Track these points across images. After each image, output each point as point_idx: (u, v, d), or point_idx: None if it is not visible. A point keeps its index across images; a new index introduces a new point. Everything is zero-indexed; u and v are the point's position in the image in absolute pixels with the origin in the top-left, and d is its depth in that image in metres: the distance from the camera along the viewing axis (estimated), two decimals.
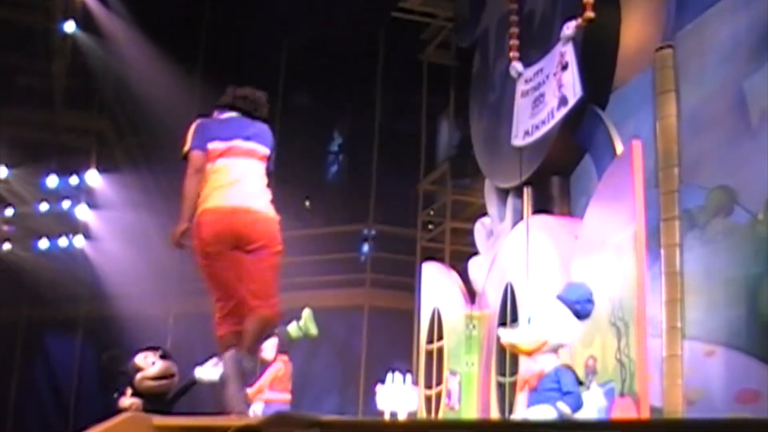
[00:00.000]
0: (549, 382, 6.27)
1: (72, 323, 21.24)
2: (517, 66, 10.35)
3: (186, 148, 6.48)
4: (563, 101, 9.16)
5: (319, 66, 18.65)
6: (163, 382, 7.99)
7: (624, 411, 7.36)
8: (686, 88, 8.37)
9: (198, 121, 6.60)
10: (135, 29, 17.17)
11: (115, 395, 8.74)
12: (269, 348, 9.75)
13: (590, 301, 6.36)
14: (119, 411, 7.45)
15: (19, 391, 21.61)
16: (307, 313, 9.48)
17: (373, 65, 19.94)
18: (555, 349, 6.36)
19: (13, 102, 18.91)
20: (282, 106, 20.30)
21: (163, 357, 8.15)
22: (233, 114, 6.65)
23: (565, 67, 9.17)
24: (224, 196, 6.37)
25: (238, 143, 6.50)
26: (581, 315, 6.34)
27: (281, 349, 9.77)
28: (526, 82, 10.14)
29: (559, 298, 6.37)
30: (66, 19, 17.11)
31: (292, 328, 9.74)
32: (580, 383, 6.45)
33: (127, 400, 8.39)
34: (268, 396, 10.05)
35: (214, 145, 6.46)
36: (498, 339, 7.12)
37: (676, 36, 8.58)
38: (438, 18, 17.12)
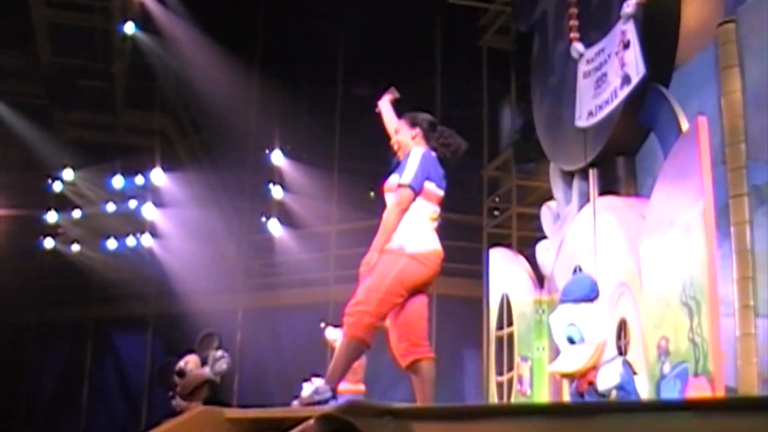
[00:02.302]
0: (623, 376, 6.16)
1: (141, 322, 21.45)
2: (578, 47, 10.25)
3: (410, 180, 6.42)
4: (626, 80, 9.06)
5: (377, 57, 18.64)
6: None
7: (698, 391, 7.28)
8: (750, 63, 8.24)
9: (425, 152, 6.59)
10: (193, 27, 17.28)
11: (171, 395, 8.91)
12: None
13: (593, 282, 6.27)
14: (177, 413, 7.57)
15: (90, 391, 21.89)
16: None
17: (431, 53, 19.92)
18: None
19: (76, 105, 19.11)
20: (342, 98, 20.34)
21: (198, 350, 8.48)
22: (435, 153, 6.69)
23: (627, 46, 9.07)
24: (437, 241, 6.50)
25: (442, 192, 6.61)
26: (595, 299, 6.24)
27: None
28: (588, 62, 10.04)
29: (580, 299, 6.24)
30: (125, 20, 17.25)
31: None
32: (634, 373, 6.38)
33: (182, 402, 8.57)
34: (342, 387, 10.05)
35: (430, 186, 6.51)
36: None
37: (738, 10, 8.46)
38: (496, 2, 17.05)
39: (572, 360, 6.14)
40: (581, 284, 6.42)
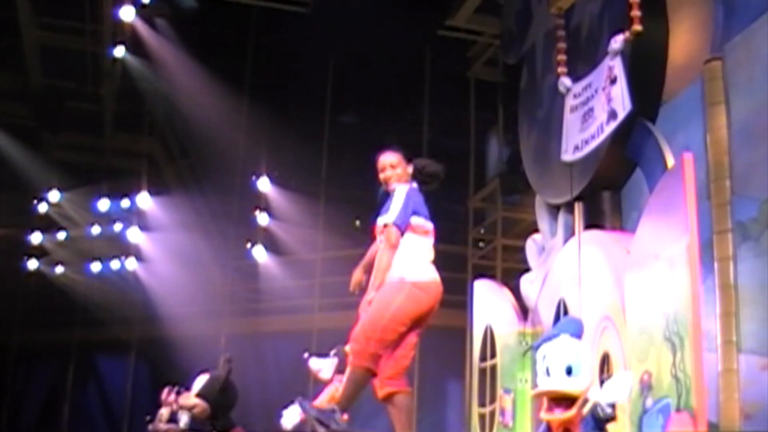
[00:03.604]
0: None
1: (125, 345, 21.41)
2: (565, 81, 10.30)
3: (394, 219, 6.57)
4: (612, 115, 9.11)
5: (366, 85, 18.69)
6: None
7: (681, 426, 7.29)
8: (736, 100, 8.30)
9: (409, 189, 6.76)
10: (182, 52, 17.31)
11: (147, 419, 8.98)
12: (327, 369, 9.75)
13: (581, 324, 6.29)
14: None
15: (72, 414, 21.82)
16: None
17: (420, 83, 19.99)
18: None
19: (64, 127, 19.15)
20: (330, 126, 20.38)
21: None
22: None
23: (613, 81, 9.12)
24: (435, 272, 6.71)
25: (431, 225, 6.81)
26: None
27: (339, 369, 9.76)
28: (575, 96, 10.09)
29: (576, 335, 6.24)
30: (115, 43, 17.26)
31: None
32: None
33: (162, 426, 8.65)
34: None
35: (417, 221, 6.68)
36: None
37: (725, 47, 8.52)
38: (484, 35, 17.14)
39: (570, 384, 6.13)
40: (576, 323, 6.43)
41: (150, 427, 9.43)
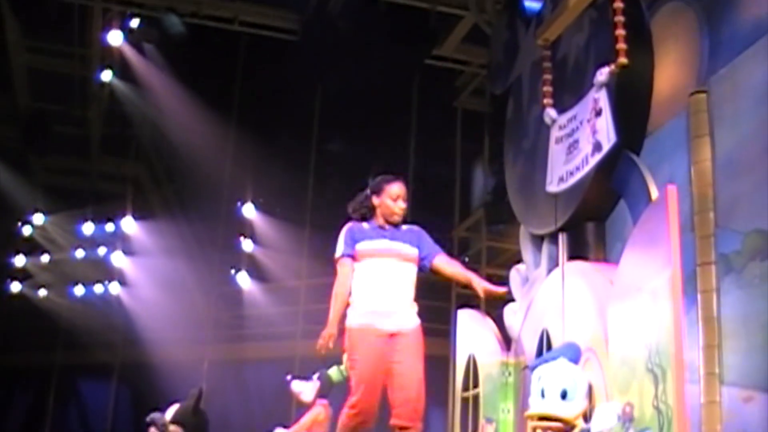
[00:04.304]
0: None
1: (107, 369, 21.34)
2: (550, 112, 10.34)
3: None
4: (597, 147, 9.15)
5: (352, 113, 18.73)
6: None
7: None
8: (721, 133, 8.34)
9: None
10: (170, 78, 17.33)
11: None
12: (309, 391, 9.74)
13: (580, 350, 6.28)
14: None
15: None
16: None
17: (407, 112, 20.04)
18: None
19: (50, 149, 19.11)
20: (316, 153, 20.40)
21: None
22: None
23: (599, 113, 9.16)
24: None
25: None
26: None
27: (321, 393, 9.74)
28: (560, 128, 10.13)
29: (574, 360, 6.23)
30: (103, 67, 17.27)
31: (333, 372, 9.75)
32: None
33: None
34: None
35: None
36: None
37: (710, 80, 8.56)
38: (472, 65, 17.20)
39: (564, 408, 6.11)
40: (575, 348, 6.42)
41: None
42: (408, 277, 6.83)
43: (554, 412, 6.01)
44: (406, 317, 6.78)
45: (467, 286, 6.83)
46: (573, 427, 6.02)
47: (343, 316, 6.85)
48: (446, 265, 6.82)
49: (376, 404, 6.67)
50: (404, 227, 6.97)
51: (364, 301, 6.77)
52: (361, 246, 6.80)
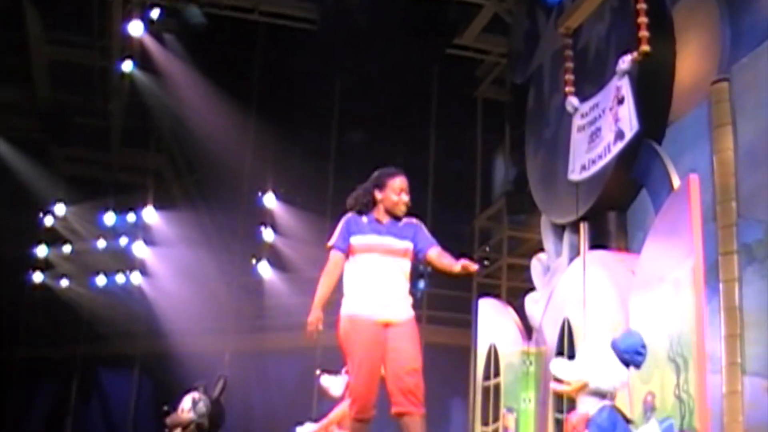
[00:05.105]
0: (592, 427, 6.11)
1: (128, 360, 21.38)
2: (572, 101, 10.33)
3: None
4: (620, 135, 9.13)
5: (373, 104, 18.71)
6: None
7: None
8: (743, 122, 8.31)
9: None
10: (191, 69, 17.33)
11: None
12: (338, 386, 9.74)
13: (639, 352, 6.19)
14: None
15: (74, 428, 21.75)
16: None
17: (427, 102, 20.00)
18: (599, 394, 6.14)
19: (71, 141, 19.13)
20: (336, 145, 20.39)
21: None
22: None
23: (621, 102, 9.15)
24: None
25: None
26: (629, 364, 6.19)
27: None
28: (582, 116, 10.12)
29: (612, 343, 6.21)
30: (123, 58, 17.28)
31: None
32: (628, 421, 6.31)
33: None
34: None
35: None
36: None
37: (732, 69, 8.53)
38: (492, 54, 17.16)
39: (564, 369, 6.10)
40: (628, 340, 6.29)
41: None
42: (401, 270, 6.87)
43: (555, 371, 6.08)
44: (400, 308, 6.82)
45: (460, 275, 6.87)
46: (576, 389, 6.02)
47: (337, 307, 6.97)
48: (437, 256, 6.85)
49: (373, 393, 6.69)
50: (403, 220, 6.99)
51: (358, 293, 6.81)
52: (355, 240, 6.85)
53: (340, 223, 6.96)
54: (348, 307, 6.79)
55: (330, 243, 6.89)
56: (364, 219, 6.94)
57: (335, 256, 6.87)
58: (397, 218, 6.94)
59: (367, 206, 7.02)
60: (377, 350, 6.66)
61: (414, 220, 7.01)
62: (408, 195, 7.01)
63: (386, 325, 6.72)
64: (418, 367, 6.68)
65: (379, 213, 6.96)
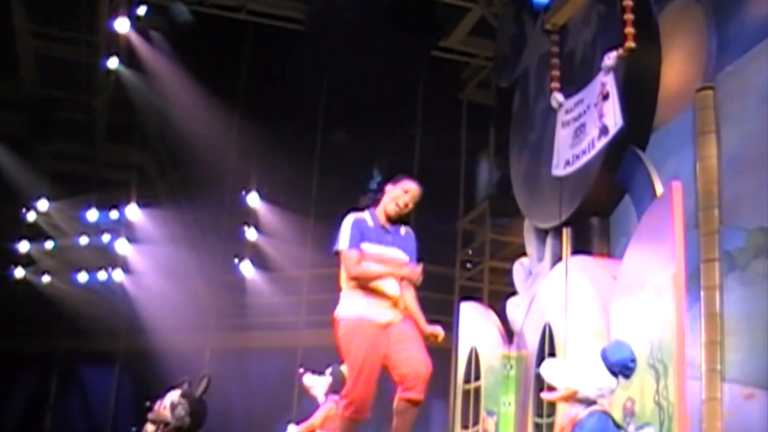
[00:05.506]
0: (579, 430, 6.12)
1: (109, 356, 21.34)
2: (558, 96, 10.36)
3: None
4: (604, 131, 9.17)
5: (358, 104, 18.69)
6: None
7: None
8: (727, 130, 8.34)
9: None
10: (177, 66, 17.29)
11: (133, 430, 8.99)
12: (320, 386, 9.75)
13: (627, 366, 6.20)
14: None
15: (53, 423, 21.70)
16: None
17: (412, 104, 20.00)
18: (587, 402, 6.15)
19: (55, 136, 19.08)
20: (321, 145, 20.37)
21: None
22: None
23: (606, 97, 9.19)
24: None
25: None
26: (618, 375, 6.19)
27: (333, 389, 9.73)
28: (567, 112, 10.15)
29: (602, 354, 6.21)
30: (109, 54, 17.23)
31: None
32: (618, 427, 6.33)
33: None
34: None
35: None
36: (536, 377, 7.01)
37: (717, 77, 8.57)
38: (478, 57, 17.17)
39: (554, 374, 6.10)
40: (618, 353, 6.28)
41: None
42: (399, 275, 6.89)
43: (545, 374, 6.11)
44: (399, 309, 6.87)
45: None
46: (566, 396, 6.06)
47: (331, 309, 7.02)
48: (410, 297, 6.97)
49: (371, 395, 6.70)
50: (403, 230, 7.00)
51: (361, 296, 6.80)
52: (365, 247, 6.83)
53: (346, 225, 6.92)
54: (351, 310, 6.79)
55: (342, 247, 6.84)
56: (370, 223, 6.93)
57: (355, 254, 6.80)
58: (394, 223, 6.96)
59: (373, 201, 7.08)
60: (379, 352, 6.69)
61: (411, 232, 7.06)
62: (412, 204, 7.03)
63: (387, 325, 6.74)
64: (427, 356, 6.75)
65: (380, 214, 6.96)
